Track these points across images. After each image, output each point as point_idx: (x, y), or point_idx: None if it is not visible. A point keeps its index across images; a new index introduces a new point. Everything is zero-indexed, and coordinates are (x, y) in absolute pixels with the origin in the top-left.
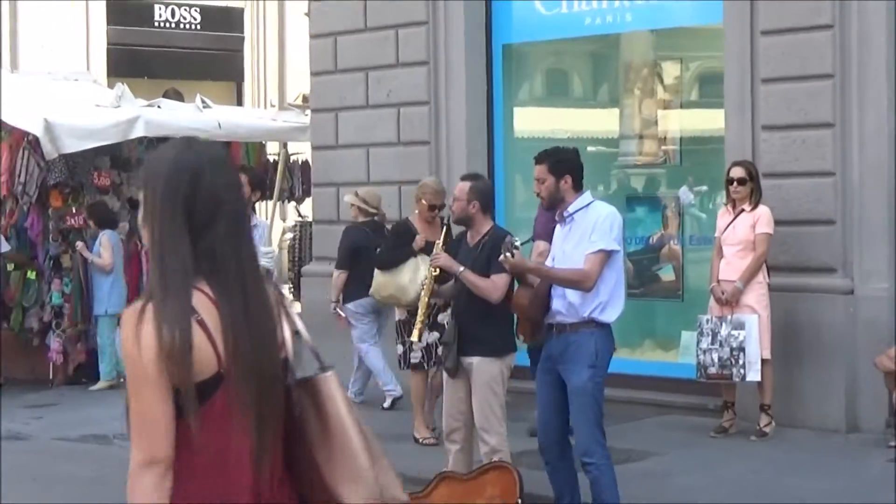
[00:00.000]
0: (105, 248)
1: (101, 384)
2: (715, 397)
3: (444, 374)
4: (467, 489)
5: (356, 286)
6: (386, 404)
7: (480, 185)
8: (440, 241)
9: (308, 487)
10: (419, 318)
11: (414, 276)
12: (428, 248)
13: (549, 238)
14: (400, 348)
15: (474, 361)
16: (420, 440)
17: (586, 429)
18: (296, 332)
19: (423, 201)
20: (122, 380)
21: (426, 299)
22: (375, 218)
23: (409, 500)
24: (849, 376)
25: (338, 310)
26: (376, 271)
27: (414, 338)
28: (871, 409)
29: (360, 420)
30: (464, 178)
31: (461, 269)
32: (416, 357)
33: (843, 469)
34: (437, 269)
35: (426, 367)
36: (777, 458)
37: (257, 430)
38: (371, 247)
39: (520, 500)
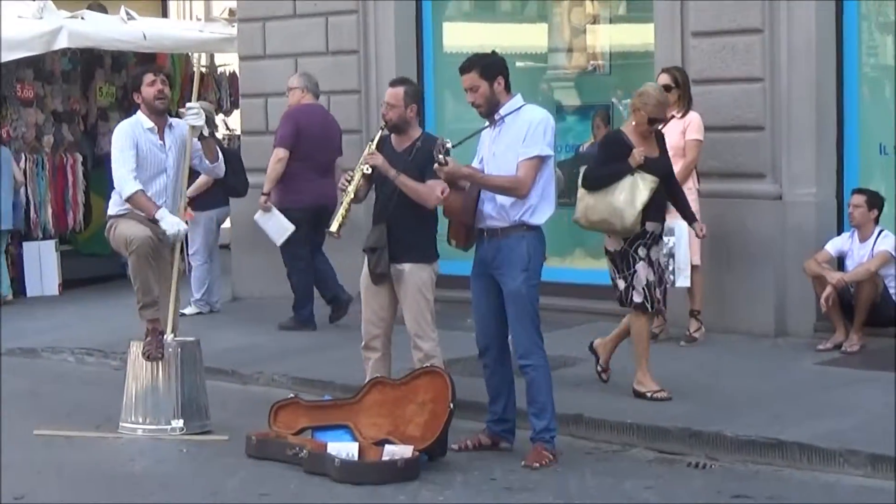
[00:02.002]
0: None
1: None
2: None
3: (363, 281)
4: (399, 394)
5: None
6: (189, 311)
7: (413, 89)
8: (372, 144)
9: None
10: (340, 213)
11: (631, 198)
12: (646, 165)
13: None
14: (622, 284)
15: (406, 268)
16: (649, 395)
17: (523, 331)
18: None
19: (643, 112)
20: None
21: (350, 197)
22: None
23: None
24: (778, 281)
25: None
26: (582, 192)
27: (332, 228)
28: (799, 314)
29: None
30: (394, 84)
31: (395, 172)
32: (638, 296)
33: (772, 371)
34: (370, 170)
35: (650, 309)
36: (707, 361)
37: None
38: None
39: (452, 405)
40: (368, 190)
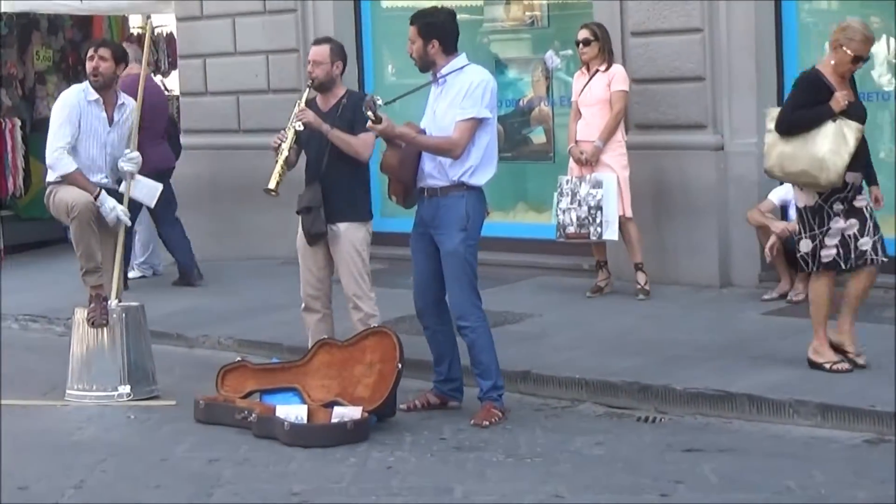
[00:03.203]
0: None
1: None
2: (590, 258)
3: (299, 242)
4: (346, 355)
5: None
6: (133, 274)
7: (338, 46)
8: (301, 102)
9: None
10: (277, 171)
11: (836, 147)
12: (849, 110)
13: None
14: (806, 245)
15: (341, 227)
16: (828, 366)
17: (461, 292)
18: None
19: (848, 51)
20: None
21: (286, 155)
22: None
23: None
24: (721, 232)
25: None
26: (773, 137)
27: (270, 185)
28: (743, 264)
29: None
30: (318, 42)
31: (328, 127)
32: (828, 255)
33: (719, 323)
34: (302, 127)
35: (843, 267)
36: (652, 314)
37: None
38: None
39: (399, 365)
40: (299, 154)
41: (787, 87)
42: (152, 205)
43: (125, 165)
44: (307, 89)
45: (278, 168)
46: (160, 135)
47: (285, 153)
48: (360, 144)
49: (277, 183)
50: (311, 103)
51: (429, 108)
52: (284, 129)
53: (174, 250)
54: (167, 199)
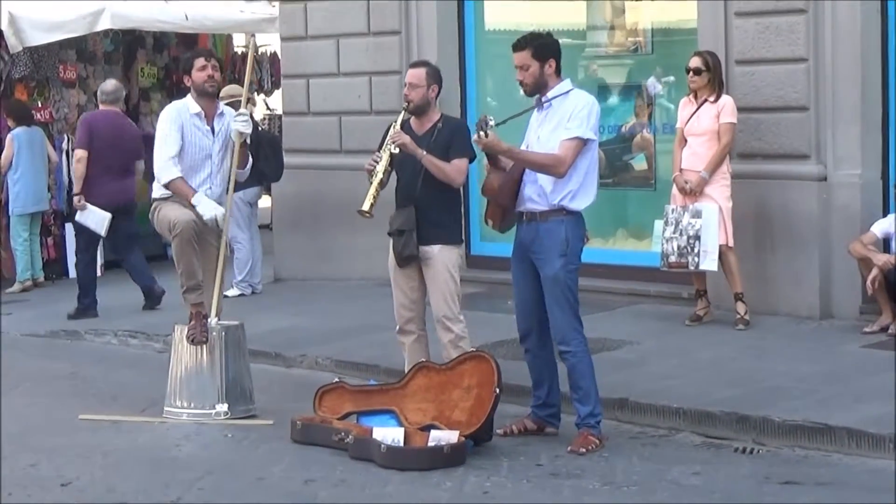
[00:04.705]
0: (7, 147)
1: (14, 287)
2: (689, 286)
3: (391, 265)
4: (444, 379)
5: None
6: (232, 293)
7: (434, 70)
8: (396, 124)
9: None
10: (371, 193)
11: None
12: None
13: None
14: None
15: (434, 250)
16: None
17: (562, 317)
18: None
19: None
20: (34, 283)
21: (381, 177)
22: None
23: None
24: (822, 263)
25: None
26: None
27: (365, 207)
28: (844, 296)
29: None
30: (415, 65)
31: (423, 152)
32: None
33: (819, 355)
34: (398, 149)
35: None
36: (752, 344)
37: None
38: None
39: (497, 390)
40: (389, 175)
41: (892, 117)
42: (102, 232)
43: (237, 125)
44: (402, 112)
45: (373, 190)
46: (123, 169)
47: (380, 175)
48: (454, 171)
49: (372, 205)
50: (405, 126)
51: (531, 132)
52: (379, 152)
53: (138, 277)
54: (128, 232)
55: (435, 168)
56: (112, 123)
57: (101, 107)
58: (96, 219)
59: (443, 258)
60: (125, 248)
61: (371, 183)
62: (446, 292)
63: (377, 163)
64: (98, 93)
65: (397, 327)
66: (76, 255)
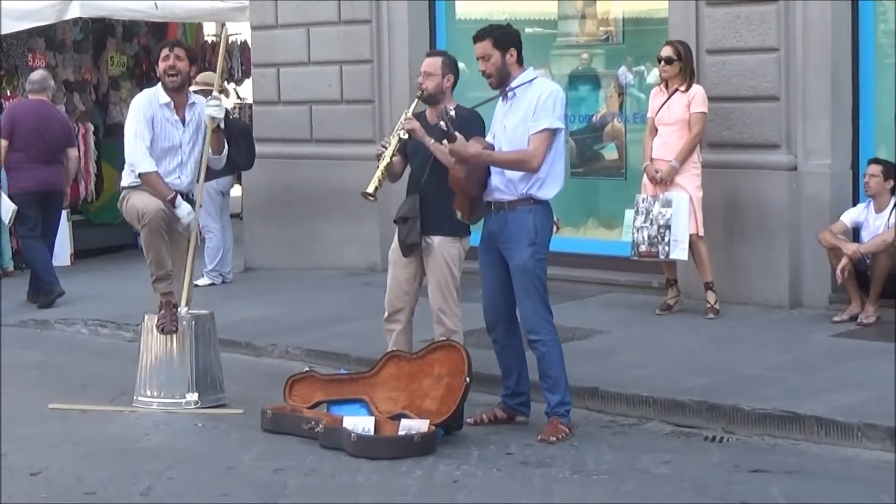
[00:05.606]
0: None
1: None
2: (659, 275)
3: (392, 253)
4: (415, 368)
5: None
6: (202, 282)
7: (451, 59)
8: (409, 110)
9: None
10: (377, 177)
11: None
12: None
13: None
14: None
15: (436, 240)
16: None
17: (531, 306)
18: None
19: None
20: (4, 272)
21: (388, 161)
22: None
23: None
24: (792, 252)
25: None
26: None
27: (369, 190)
28: (814, 285)
29: None
30: (431, 54)
31: (432, 141)
32: None
33: (788, 344)
34: (407, 135)
35: None
36: (722, 333)
37: None
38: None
39: (468, 379)
40: (404, 167)
41: (863, 106)
42: (8, 222)
43: (210, 111)
44: (416, 100)
45: (378, 174)
46: (50, 157)
47: (387, 159)
48: None
49: (376, 188)
50: (419, 115)
51: (497, 122)
52: (389, 136)
53: (42, 270)
54: (52, 221)
55: (443, 156)
56: (37, 112)
57: (30, 96)
58: (2, 208)
59: (443, 249)
60: (44, 235)
61: (377, 167)
62: (442, 284)
63: (386, 147)
64: (26, 83)
65: (385, 315)
66: (23, 245)
